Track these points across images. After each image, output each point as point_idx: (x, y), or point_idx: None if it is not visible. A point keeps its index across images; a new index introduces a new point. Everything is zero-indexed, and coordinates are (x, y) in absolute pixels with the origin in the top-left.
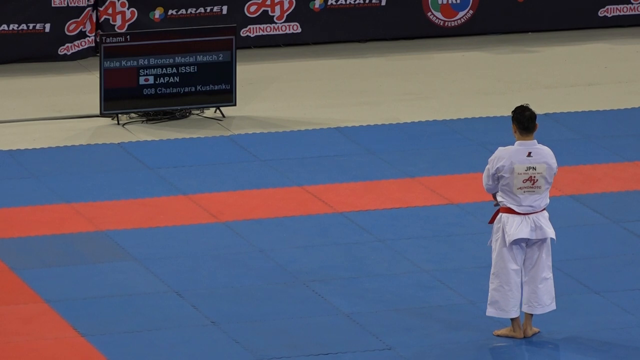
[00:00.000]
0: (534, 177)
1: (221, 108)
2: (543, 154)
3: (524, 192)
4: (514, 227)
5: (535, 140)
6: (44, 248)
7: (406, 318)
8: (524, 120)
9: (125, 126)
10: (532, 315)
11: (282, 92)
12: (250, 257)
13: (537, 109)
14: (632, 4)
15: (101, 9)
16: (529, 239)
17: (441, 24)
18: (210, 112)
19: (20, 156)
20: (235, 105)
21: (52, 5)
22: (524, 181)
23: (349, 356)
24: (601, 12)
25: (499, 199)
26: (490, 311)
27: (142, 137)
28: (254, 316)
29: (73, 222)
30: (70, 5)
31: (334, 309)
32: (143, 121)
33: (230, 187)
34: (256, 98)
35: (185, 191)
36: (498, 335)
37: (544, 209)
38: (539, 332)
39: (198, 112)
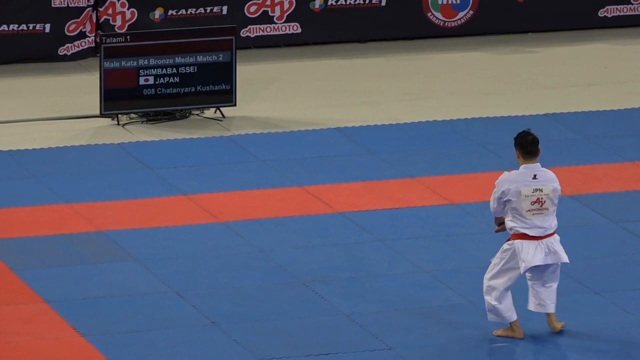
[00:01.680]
0: (541, 198)
1: (221, 108)
2: (548, 177)
3: (533, 214)
4: (529, 254)
5: (539, 164)
6: (44, 248)
7: (406, 318)
8: (527, 145)
9: (125, 126)
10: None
11: (282, 92)
12: (250, 257)
13: (537, 109)
14: (632, 4)
15: (101, 9)
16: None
17: (441, 24)
18: (210, 112)
19: (20, 156)
20: (235, 105)
21: (52, 5)
22: (532, 203)
23: (349, 356)
24: (601, 13)
25: (510, 224)
26: (490, 317)
27: (142, 138)
28: (254, 316)
29: (73, 222)
30: (70, 5)
31: (334, 309)
32: (143, 121)
33: (230, 187)
34: (256, 98)
35: (185, 191)
36: (498, 336)
37: (554, 232)
38: (565, 325)
39: (198, 112)
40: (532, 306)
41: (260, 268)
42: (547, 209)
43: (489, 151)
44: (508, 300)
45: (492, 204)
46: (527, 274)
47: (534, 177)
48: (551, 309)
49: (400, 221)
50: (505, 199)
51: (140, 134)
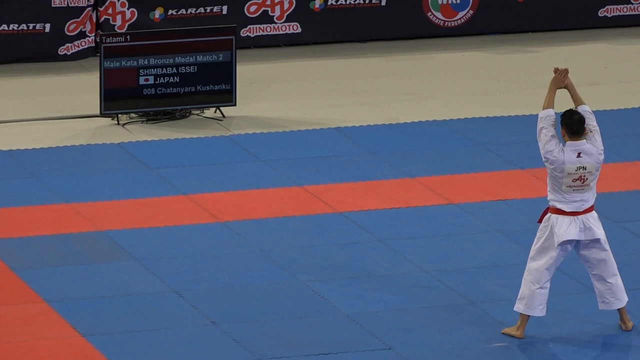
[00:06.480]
0: (584, 176)
1: (221, 108)
2: (591, 152)
3: (573, 190)
4: (563, 228)
5: (584, 141)
6: (44, 248)
7: (406, 318)
8: (573, 124)
9: (125, 126)
10: (623, 308)
11: (282, 92)
12: (250, 257)
13: (537, 109)
14: (632, 4)
15: (101, 9)
16: (578, 241)
17: (441, 24)
18: (210, 112)
19: (20, 156)
20: (235, 105)
21: (52, 5)
22: (574, 180)
23: (349, 356)
24: (601, 12)
25: (549, 196)
26: (517, 307)
27: (142, 137)
28: (254, 316)
29: (73, 222)
30: (70, 5)
31: (334, 309)
32: (143, 121)
33: (230, 187)
34: (256, 98)
35: (185, 191)
36: (503, 334)
37: (592, 208)
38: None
39: (198, 112)
40: (599, 305)
41: (260, 268)
42: (588, 185)
43: (489, 151)
44: (544, 292)
45: (539, 135)
46: (590, 272)
47: (578, 155)
48: (615, 305)
49: (400, 221)
50: (547, 155)
51: (140, 134)
